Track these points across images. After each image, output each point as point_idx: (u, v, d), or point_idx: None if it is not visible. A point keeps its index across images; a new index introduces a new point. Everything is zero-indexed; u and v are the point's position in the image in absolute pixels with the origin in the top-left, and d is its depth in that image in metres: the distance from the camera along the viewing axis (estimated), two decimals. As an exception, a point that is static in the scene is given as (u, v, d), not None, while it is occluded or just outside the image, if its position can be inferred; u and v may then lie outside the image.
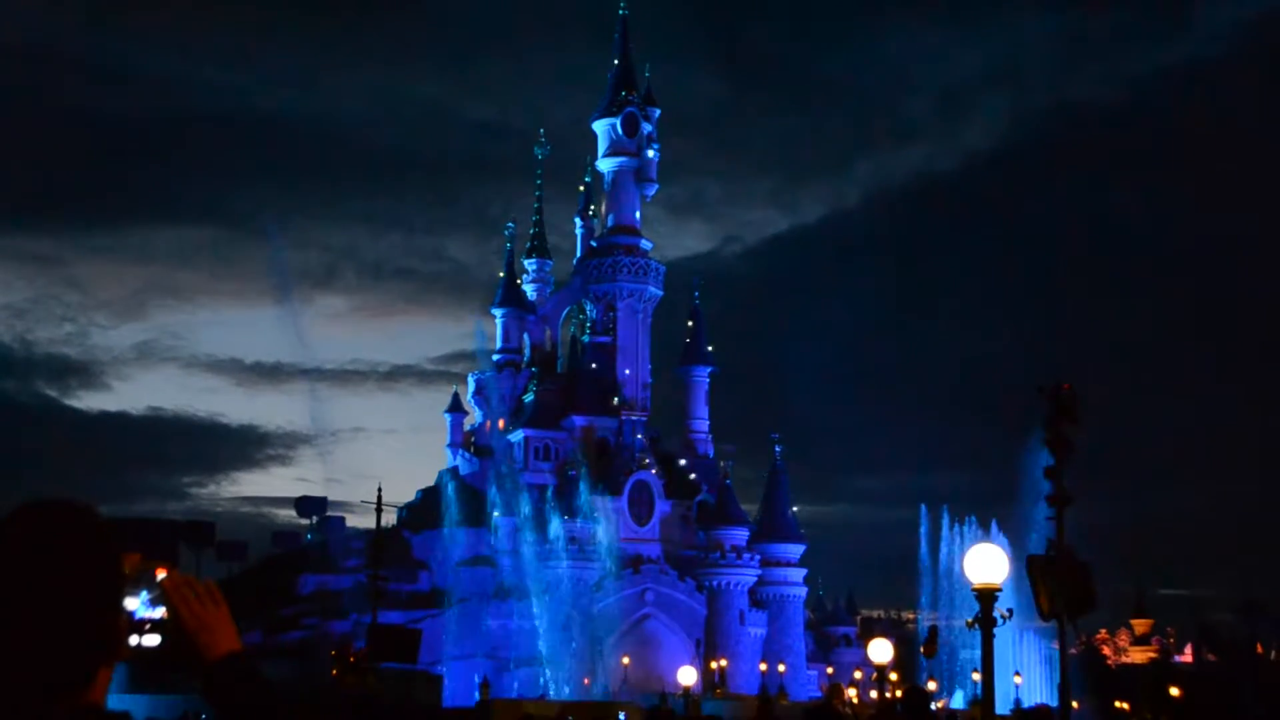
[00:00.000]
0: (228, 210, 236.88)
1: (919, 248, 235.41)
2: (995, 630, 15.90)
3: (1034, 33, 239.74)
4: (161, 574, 3.15)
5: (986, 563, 16.16)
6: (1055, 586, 21.05)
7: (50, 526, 2.91)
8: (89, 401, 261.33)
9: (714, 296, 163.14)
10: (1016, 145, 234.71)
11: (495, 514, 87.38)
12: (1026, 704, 55.97)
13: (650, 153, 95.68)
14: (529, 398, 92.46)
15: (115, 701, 3.08)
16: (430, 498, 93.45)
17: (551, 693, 79.12)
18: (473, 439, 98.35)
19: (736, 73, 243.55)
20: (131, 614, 3.04)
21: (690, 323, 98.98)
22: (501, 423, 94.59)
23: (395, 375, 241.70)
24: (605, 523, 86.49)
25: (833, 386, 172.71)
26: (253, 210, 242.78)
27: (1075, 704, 30.74)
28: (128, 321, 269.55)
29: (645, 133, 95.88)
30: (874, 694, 55.76)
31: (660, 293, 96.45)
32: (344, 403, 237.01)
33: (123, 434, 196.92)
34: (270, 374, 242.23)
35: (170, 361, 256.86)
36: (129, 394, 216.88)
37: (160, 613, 3.09)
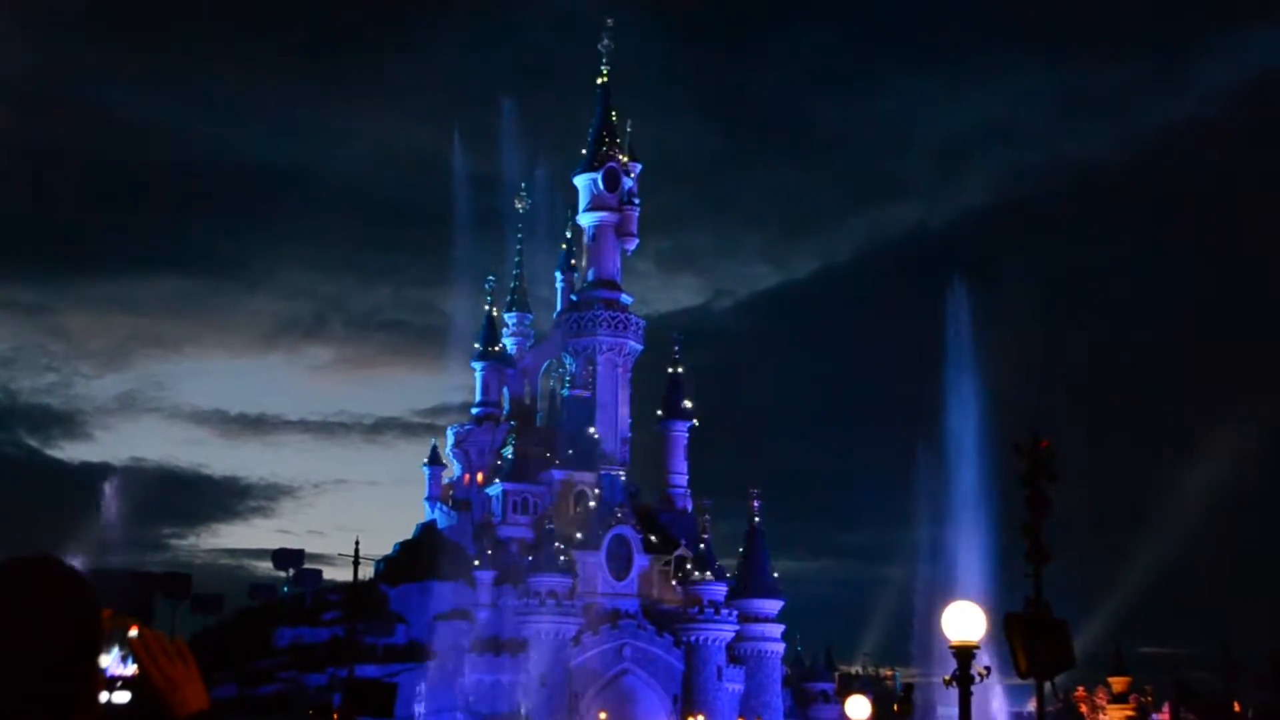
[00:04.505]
0: (216, 260, 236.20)
1: (911, 305, 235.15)
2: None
3: (1031, 89, 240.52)
4: (133, 631, 3.15)
5: (964, 620, 16.16)
6: (1032, 644, 21.01)
7: (28, 582, 2.91)
8: (71, 452, 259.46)
9: (703, 350, 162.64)
10: (1012, 202, 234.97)
11: (473, 568, 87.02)
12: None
13: (631, 208, 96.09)
14: (507, 451, 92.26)
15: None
16: (408, 551, 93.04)
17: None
18: (451, 492, 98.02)
19: (730, 126, 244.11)
20: (103, 670, 3.04)
21: (670, 378, 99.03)
22: (480, 476, 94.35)
23: (380, 427, 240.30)
24: (583, 577, 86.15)
25: (816, 441, 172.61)
26: (241, 260, 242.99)
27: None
28: (111, 371, 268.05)
29: (626, 188, 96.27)
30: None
31: (640, 347, 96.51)
32: (328, 454, 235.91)
33: (104, 485, 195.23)
34: (254, 425, 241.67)
35: (153, 412, 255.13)
36: (111, 444, 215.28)
37: (131, 669, 3.09)
